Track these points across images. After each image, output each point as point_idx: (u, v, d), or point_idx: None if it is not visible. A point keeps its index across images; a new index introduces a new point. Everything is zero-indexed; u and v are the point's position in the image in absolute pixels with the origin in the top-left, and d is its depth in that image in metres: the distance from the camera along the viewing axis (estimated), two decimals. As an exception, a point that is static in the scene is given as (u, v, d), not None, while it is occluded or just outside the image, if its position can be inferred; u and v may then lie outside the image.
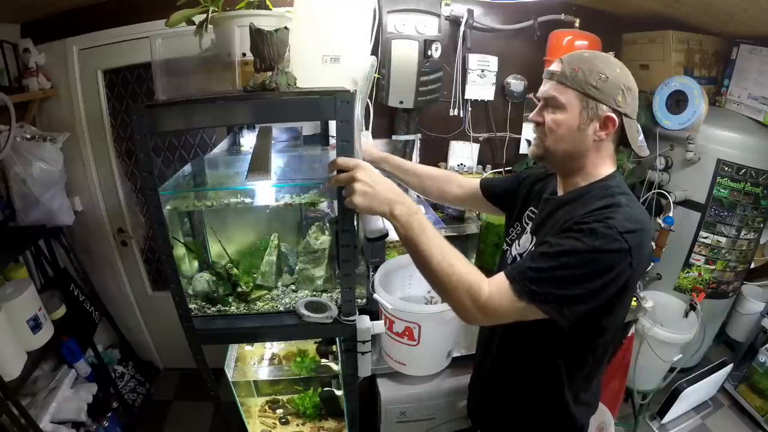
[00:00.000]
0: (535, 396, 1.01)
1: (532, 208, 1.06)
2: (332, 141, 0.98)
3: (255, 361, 1.47)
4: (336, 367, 1.39)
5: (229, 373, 1.32)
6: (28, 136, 1.73)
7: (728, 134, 1.87)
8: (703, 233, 2.01)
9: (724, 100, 2.02)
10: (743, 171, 1.86)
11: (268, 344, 1.52)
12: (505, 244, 1.14)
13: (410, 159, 2.09)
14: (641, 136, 0.92)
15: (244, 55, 0.95)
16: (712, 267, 2.05)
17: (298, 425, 1.46)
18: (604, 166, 0.91)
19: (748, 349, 2.31)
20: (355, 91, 0.88)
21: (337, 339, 1.36)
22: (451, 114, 2.13)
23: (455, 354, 1.60)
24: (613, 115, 0.85)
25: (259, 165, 0.99)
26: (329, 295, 1.11)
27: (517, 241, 1.06)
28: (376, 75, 1.81)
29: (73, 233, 2.12)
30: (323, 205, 1.14)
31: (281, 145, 1.59)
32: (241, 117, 0.94)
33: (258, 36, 0.83)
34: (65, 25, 1.84)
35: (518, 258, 1.01)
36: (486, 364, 1.12)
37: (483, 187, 1.23)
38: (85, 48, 1.89)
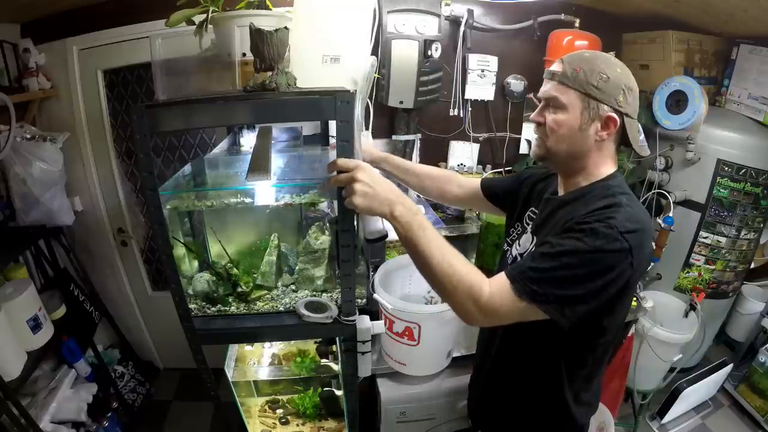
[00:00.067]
0: (536, 396, 1.01)
1: (533, 208, 1.06)
2: (332, 141, 0.98)
3: (255, 361, 1.47)
4: (336, 367, 1.39)
5: (229, 373, 1.31)
6: (28, 136, 1.73)
7: (728, 134, 1.87)
8: (703, 233, 2.01)
9: (724, 100, 2.02)
10: (743, 171, 1.86)
11: (267, 344, 1.52)
12: (505, 244, 1.13)
13: (410, 159, 2.08)
14: (642, 136, 0.92)
15: (244, 55, 0.95)
16: (712, 267, 2.05)
17: (298, 425, 1.46)
18: (605, 166, 0.91)
19: (748, 349, 2.31)
20: (355, 91, 0.88)
21: (337, 339, 1.36)
22: (451, 114, 2.12)
23: (455, 354, 1.60)
24: (615, 115, 0.85)
25: (259, 165, 0.99)
26: (329, 295, 1.11)
27: (517, 241, 1.06)
28: (376, 75, 1.80)
29: (73, 233, 2.12)
30: (323, 205, 1.14)
31: (281, 145, 1.59)
32: (241, 117, 0.94)
33: (258, 36, 0.83)
34: (65, 25, 1.84)
35: (519, 258, 1.01)
36: (486, 364, 1.12)
37: (483, 187, 1.23)
38: (85, 48, 1.89)
